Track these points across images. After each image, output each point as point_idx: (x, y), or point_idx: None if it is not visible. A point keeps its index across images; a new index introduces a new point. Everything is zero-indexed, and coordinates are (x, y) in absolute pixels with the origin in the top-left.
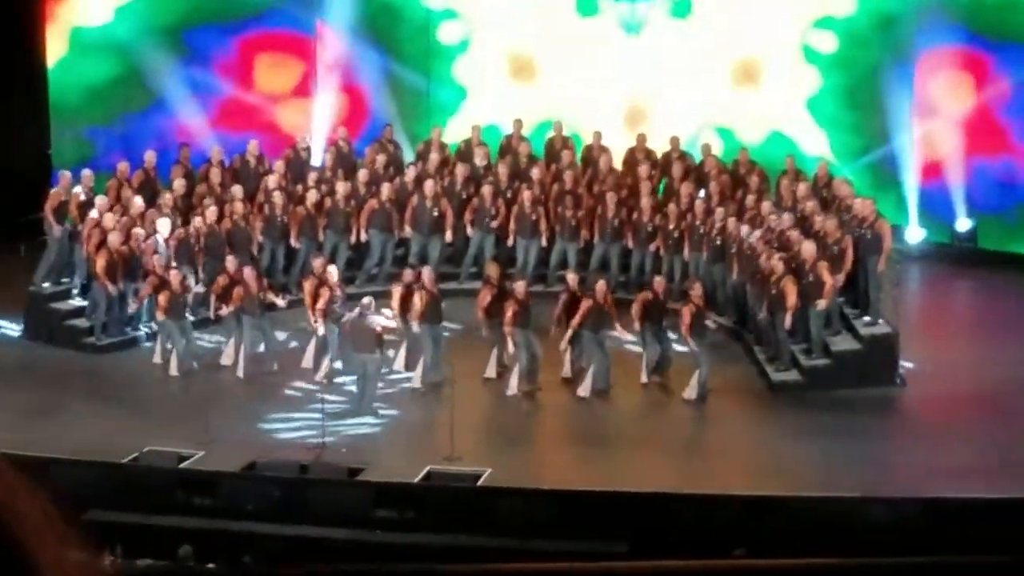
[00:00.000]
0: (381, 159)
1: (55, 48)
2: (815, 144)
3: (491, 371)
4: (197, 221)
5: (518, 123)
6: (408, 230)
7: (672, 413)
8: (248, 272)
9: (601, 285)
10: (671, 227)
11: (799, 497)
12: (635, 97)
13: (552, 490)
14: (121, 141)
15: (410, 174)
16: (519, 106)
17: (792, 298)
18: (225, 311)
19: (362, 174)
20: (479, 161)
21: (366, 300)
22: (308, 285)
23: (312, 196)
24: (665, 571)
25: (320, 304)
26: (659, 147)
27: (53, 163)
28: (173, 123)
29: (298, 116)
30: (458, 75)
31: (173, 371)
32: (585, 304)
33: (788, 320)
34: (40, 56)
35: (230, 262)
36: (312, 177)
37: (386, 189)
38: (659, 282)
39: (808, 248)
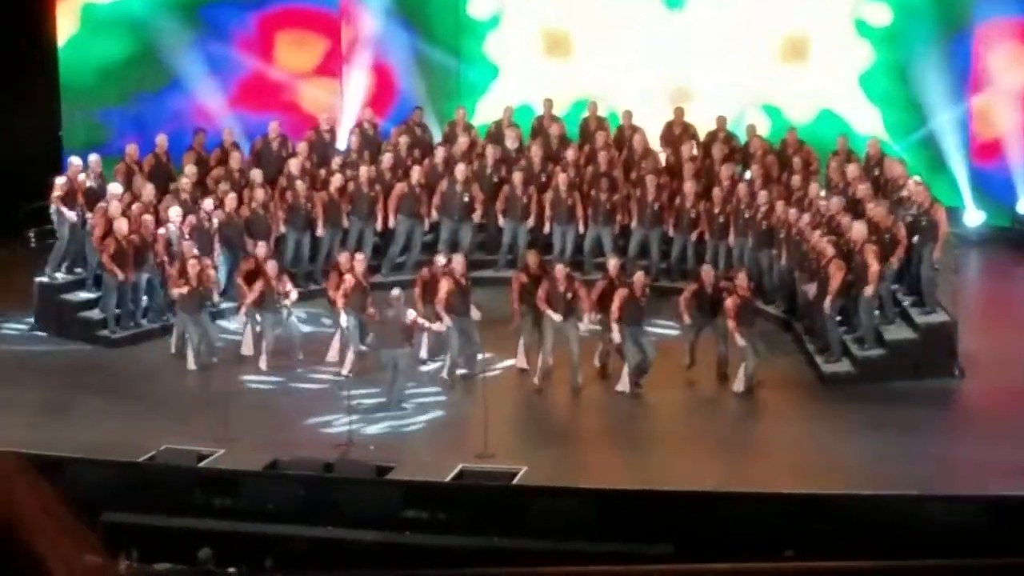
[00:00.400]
0: (404, 141)
1: (65, 26)
2: (867, 123)
3: (521, 361)
4: (207, 205)
5: (548, 102)
6: (434, 215)
7: (717, 408)
8: (271, 265)
9: (639, 276)
10: (716, 211)
11: (852, 496)
12: (677, 74)
13: (591, 489)
14: (135, 123)
15: (439, 156)
16: (554, 85)
17: (836, 282)
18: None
19: (386, 158)
20: (510, 144)
21: (395, 292)
22: (332, 277)
23: (336, 181)
24: (711, 574)
25: (341, 294)
26: (703, 127)
27: (64, 147)
28: (190, 104)
29: (322, 96)
30: (490, 53)
31: (190, 365)
32: (620, 294)
33: (828, 303)
34: (50, 34)
35: (261, 248)
36: (336, 161)
37: (415, 172)
38: (706, 271)
39: (859, 229)
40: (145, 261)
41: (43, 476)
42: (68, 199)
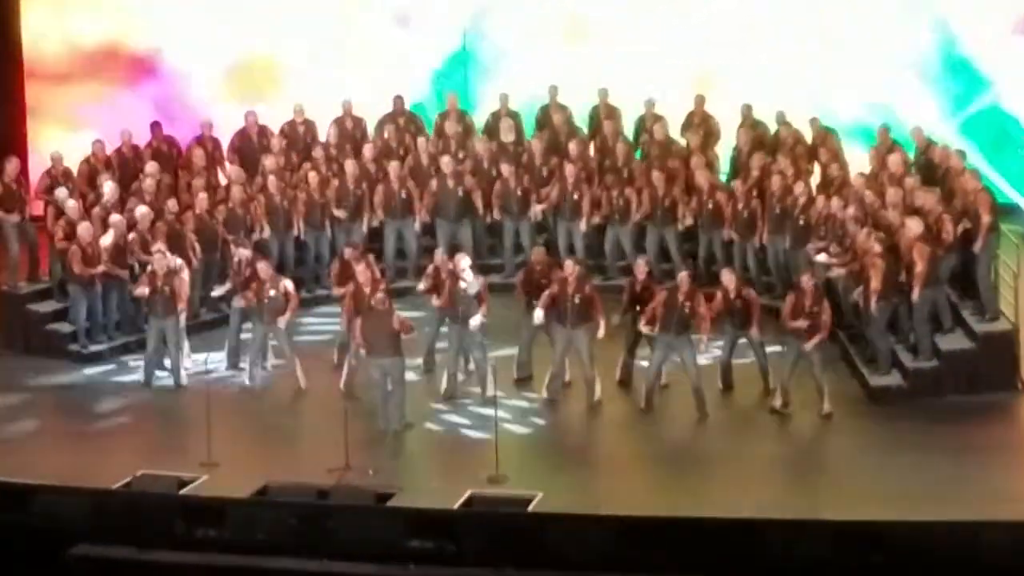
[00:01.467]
0: (390, 130)
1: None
2: (915, 109)
3: (519, 371)
4: (171, 204)
5: (554, 90)
6: (424, 215)
7: (753, 426)
8: (264, 268)
9: (683, 277)
10: (740, 206)
11: (903, 523)
12: (707, 59)
13: (613, 516)
14: (110, 114)
15: (421, 150)
16: (571, 71)
17: (875, 283)
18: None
19: (367, 150)
20: (505, 136)
21: (380, 296)
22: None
23: (313, 178)
24: None
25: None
26: (734, 116)
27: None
28: (173, 93)
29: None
30: (499, 36)
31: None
32: (659, 298)
33: (873, 304)
34: (14, 13)
35: (241, 251)
36: (317, 154)
37: (393, 169)
38: (727, 277)
39: (913, 226)
40: (121, 267)
41: (8, 505)
42: (6, 204)
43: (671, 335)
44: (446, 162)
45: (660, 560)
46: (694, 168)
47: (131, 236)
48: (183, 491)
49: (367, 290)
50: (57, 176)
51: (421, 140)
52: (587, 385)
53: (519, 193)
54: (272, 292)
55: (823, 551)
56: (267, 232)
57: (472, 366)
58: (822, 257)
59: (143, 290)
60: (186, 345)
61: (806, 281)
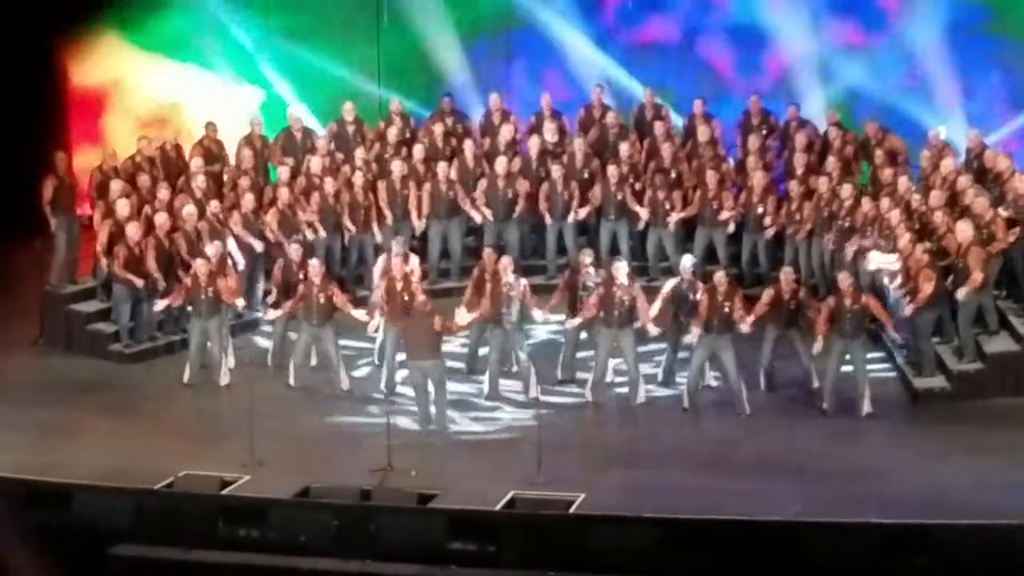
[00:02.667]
0: (438, 130)
1: None
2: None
3: (563, 372)
4: (214, 205)
5: (599, 89)
6: (474, 214)
7: (797, 427)
8: (315, 268)
9: (719, 276)
10: (793, 208)
11: (949, 526)
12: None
13: (657, 518)
14: None
15: (468, 151)
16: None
17: (923, 294)
18: (276, 312)
19: (417, 150)
20: (550, 136)
21: (420, 297)
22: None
23: (359, 179)
24: None
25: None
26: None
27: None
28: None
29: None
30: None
31: (184, 379)
32: (704, 300)
33: (909, 309)
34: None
35: (295, 251)
36: (358, 156)
37: (441, 169)
38: (786, 274)
39: (963, 230)
40: (169, 265)
41: (49, 504)
42: (57, 200)
43: (713, 335)
44: (501, 163)
45: (704, 563)
46: (750, 170)
47: (176, 235)
48: (225, 491)
49: (399, 286)
50: (109, 172)
51: (468, 141)
52: (631, 386)
53: (566, 196)
54: (321, 295)
55: (869, 553)
56: (322, 233)
57: (515, 368)
58: (878, 261)
59: (163, 304)
60: (230, 345)
61: (845, 283)
